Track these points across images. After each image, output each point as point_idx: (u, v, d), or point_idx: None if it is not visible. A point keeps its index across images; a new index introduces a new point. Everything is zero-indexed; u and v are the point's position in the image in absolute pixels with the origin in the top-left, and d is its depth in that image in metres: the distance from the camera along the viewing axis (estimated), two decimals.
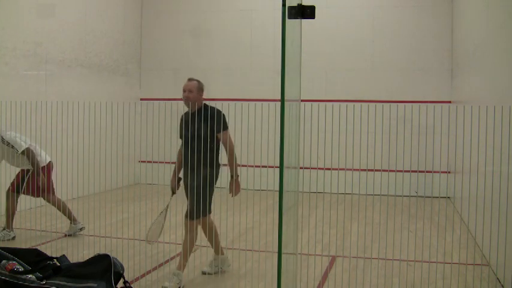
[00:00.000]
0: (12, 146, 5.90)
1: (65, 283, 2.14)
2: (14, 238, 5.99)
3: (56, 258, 2.29)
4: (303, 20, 2.56)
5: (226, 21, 10.51)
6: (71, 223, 6.22)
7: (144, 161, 9.68)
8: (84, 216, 6.44)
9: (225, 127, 4.73)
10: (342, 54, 9.99)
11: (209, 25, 10.59)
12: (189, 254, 4.65)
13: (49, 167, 6.16)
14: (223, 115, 4.74)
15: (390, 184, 8.51)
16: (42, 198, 6.10)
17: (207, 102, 4.85)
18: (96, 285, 2.13)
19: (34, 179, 5.97)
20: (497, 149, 4.43)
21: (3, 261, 2.25)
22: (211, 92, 10.36)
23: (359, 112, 8.36)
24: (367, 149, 9.29)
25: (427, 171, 8.72)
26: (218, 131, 4.66)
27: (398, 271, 5.01)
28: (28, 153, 5.92)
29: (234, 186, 4.81)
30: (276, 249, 2.53)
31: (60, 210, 6.17)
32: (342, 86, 9.91)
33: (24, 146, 5.89)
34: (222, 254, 4.94)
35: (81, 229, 6.19)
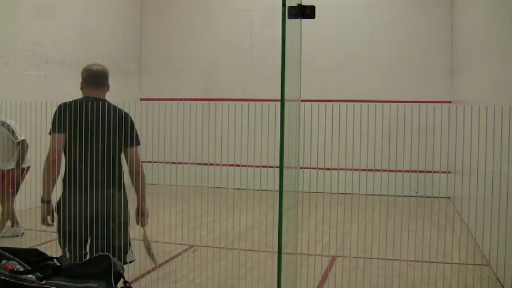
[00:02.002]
0: (13, 133, 5.95)
1: (65, 283, 2.13)
2: (23, 234, 6.15)
3: (56, 258, 2.28)
4: (303, 20, 2.56)
5: (226, 21, 10.51)
6: (12, 226, 6.24)
7: (144, 161, 9.67)
8: None
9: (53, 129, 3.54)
10: (342, 54, 9.99)
11: (209, 25, 10.60)
12: None
13: (28, 170, 6.23)
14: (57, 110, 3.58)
15: (390, 184, 8.52)
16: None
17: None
18: (96, 285, 2.12)
19: (14, 175, 6.03)
20: (497, 149, 4.43)
21: (3, 261, 2.25)
22: (212, 92, 10.40)
23: (359, 112, 8.36)
24: (367, 149, 9.29)
25: (427, 171, 8.72)
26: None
27: (398, 271, 5.01)
28: (23, 146, 5.98)
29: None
30: (276, 249, 2.53)
31: (8, 218, 6.17)
32: (342, 86, 9.91)
33: (22, 137, 5.96)
34: None
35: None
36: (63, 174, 3.58)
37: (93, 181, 3.50)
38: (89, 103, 3.54)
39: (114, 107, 3.63)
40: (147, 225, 3.92)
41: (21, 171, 6.13)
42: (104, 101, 3.66)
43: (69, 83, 8.79)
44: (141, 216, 3.72)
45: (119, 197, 3.56)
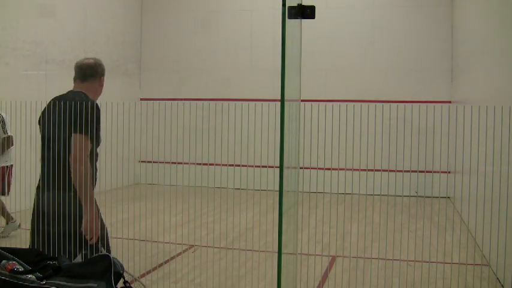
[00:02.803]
0: (3, 126, 5.89)
1: (65, 283, 2.14)
2: (20, 226, 6.10)
3: (56, 258, 2.29)
4: (303, 20, 2.56)
5: (227, 21, 10.51)
6: (7, 223, 6.18)
7: (144, 161, 9.69)
8: None
9: None
10: (342, 54, 9.99)
11: (209, 25, 10.59)
12: None
13: (11, 168, 6.13)
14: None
15: (390, 184, 8.52)
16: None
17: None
18: (96, 285, 2.12)
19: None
20: (497, 149, 4.43)
21: (3, 261, 2.25)
22: (212, 92, 10.40)
23: (359, 112, 8.37)
24: (367, 149, 9.28)
25: (427, 171, 8.72)
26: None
27: (398, 271, 5.01)
28: (8, 142, 5.92)
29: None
30: (276, 249, 2.53)
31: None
32: (342, 86, 9.91)
33: (10, 133, 5.91)
34: None
35: (19, 226, 6.17)
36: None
37: (45, 178, 3.24)
38: (58, 97, 3.39)
39: (81, 99, 3.23)
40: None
41: (5, 170, 6.01)
42: (75, 94, 3.35)
43: (69, 83, 8.79)
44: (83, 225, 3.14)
45: (68, 198, 3.18)
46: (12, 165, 6.13)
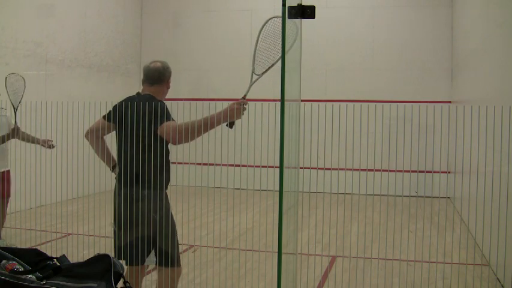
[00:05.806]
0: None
1: (65, 283, 2.13)
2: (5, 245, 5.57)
3: (56, 258, 2.28)
4: (303, 20, 2.56)
5: (226, 21, 10.51)
6: None
7: None
8: (84, 216, 6.44)
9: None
10: (342, 54, 9.99)
11: (209, 25, 10.59)
12: None
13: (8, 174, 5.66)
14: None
15: (390, 184, 8.52)
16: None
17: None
18: (96, 285, 2.12)
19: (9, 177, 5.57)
20: (497, 149, 4.43)
21: (3, 261, 2.25)
22: (211, 92, 10.39)
23: (359, 112, 8.36)
24: (367, 149, 9.29)
25: (427, 171, 8.72)
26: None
27: (398, 271, 5.01)
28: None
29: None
30: (276, 249, 2.53)
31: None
32: (342, 86, 9.91)
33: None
34: None
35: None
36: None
37: (119, 179, 3.49)
38: (128, 99, 3.56)
39: (150, 101, 3.40)
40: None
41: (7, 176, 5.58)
42: (143, 97, 3.50)
43: (69, 83, 8.81)
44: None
45: (143, 196, 3.38)
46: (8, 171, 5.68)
